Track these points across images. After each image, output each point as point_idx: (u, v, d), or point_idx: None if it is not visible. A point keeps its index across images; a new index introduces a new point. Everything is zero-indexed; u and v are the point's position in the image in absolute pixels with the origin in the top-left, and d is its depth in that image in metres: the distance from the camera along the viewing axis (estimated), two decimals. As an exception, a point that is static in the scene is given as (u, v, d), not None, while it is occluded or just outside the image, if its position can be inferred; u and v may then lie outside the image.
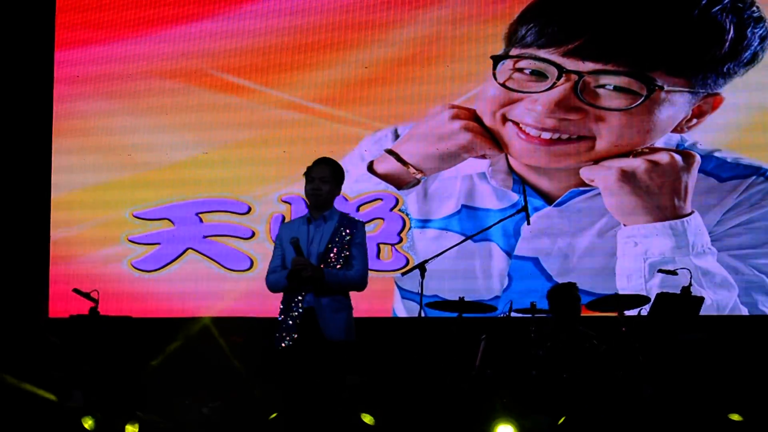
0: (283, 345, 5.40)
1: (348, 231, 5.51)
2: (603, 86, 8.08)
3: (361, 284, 5.58)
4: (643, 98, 8.01)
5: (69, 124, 9.22)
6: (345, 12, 8.72)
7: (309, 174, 5.58)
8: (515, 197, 8.22)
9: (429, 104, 8.48)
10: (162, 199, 8.93)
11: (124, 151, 9.02)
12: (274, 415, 6.00)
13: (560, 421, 6.32)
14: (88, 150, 9.12)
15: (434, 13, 8.55)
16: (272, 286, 5.62)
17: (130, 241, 8.96)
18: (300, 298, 5.43)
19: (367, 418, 6.36)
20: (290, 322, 5.42)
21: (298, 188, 7.05)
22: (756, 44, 7.93)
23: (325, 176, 5.53)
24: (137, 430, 6.85)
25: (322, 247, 5.48)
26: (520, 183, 8.15)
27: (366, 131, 8.59)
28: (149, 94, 9.04)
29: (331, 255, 5.48)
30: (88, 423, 6.61)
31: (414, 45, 8.57)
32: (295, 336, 5.39)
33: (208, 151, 8.88)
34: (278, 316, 5.50)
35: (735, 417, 6.51)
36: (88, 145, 9.12)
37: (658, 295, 7.14)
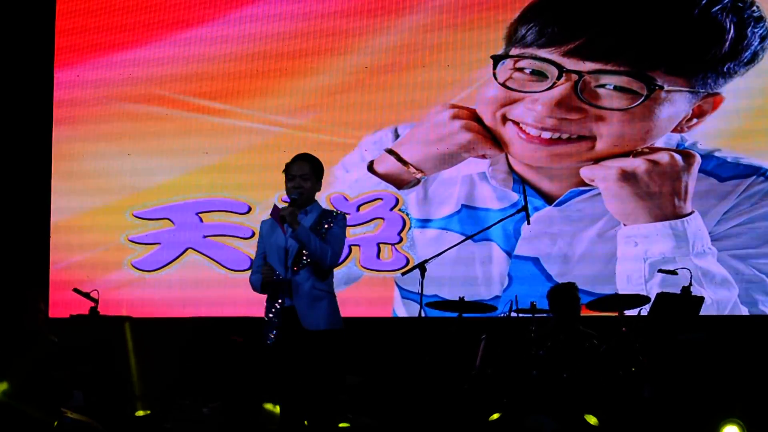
0: (268, 342, 5.44)
1: (327, 224, 5.48)
2: (603, 86, 8.07)
3: (325, 257, 5.41)
4: (643, 98, 8.00)
5: (69, 130, 9.23)
6: (344, 17, 8.72)
7: (288, 171, 5.54)
8: (515, 197, 8.21)
9: (429, 105, 8.48)
10: (162, 199, 8.94)
11: (122, 171, 9.07)
12: None
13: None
14: (88, 155, 9.15)
15: (436, 15, 8.57)
16: (254, 286, 5.64)
17: (131, 241, 8.96)
18: (280, 301, 5.45)
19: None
20: (275, 320, 5.44)
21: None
22: (756, 44, 7.92)
23: (305, 173, 5.51)
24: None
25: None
26: (520, 183, 8.14)
27: (365, 133, 8.58)
28: (149, 116, 9.05)
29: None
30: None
31: (414, 48, 8.59)
32: (273, 334, 5.41)
33: (208, 151, 8.89)
34: (264, 315, 5.53)
35: None
36: (88, 151, 9.16)
37: (658, 294, 7.13)
